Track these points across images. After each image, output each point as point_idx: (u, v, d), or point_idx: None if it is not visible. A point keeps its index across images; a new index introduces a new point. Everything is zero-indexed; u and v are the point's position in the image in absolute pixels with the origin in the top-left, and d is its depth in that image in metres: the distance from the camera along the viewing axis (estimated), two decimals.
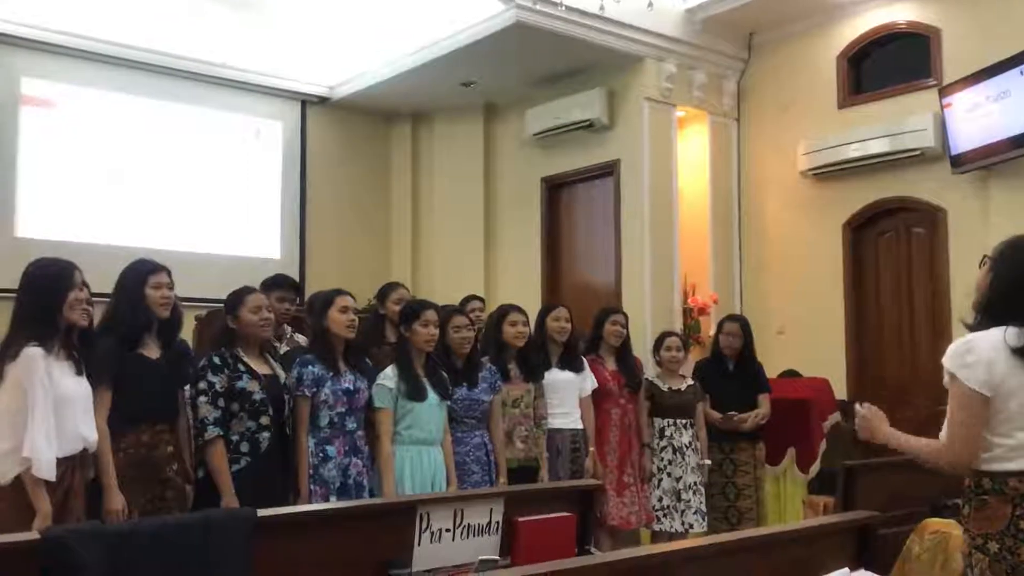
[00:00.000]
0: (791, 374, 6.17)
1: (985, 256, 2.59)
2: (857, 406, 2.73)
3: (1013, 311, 2.42)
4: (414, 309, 4.04)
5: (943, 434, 2.49)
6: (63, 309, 3.06)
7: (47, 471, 2.91)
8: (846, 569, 2.37)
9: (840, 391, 6.10)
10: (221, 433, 3.46)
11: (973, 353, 2.40)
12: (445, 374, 4.08)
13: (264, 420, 3.57)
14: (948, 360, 2.45)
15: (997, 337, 2.40)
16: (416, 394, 3.89)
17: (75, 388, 3.08)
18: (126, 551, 2.12)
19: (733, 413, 5.16)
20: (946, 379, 2.48)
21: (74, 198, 6.82)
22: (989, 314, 2.47)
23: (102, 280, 3.68)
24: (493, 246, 7.95)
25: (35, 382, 2.93)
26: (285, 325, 4.50)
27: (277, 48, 7.24)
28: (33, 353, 2.96)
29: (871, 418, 2.67)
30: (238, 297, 3.70)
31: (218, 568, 2.23)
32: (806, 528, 2.59)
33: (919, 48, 6.23)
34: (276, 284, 4.51)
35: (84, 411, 3.11)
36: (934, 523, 3.31)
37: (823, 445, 5.45)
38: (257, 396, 3.56)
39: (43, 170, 6.70)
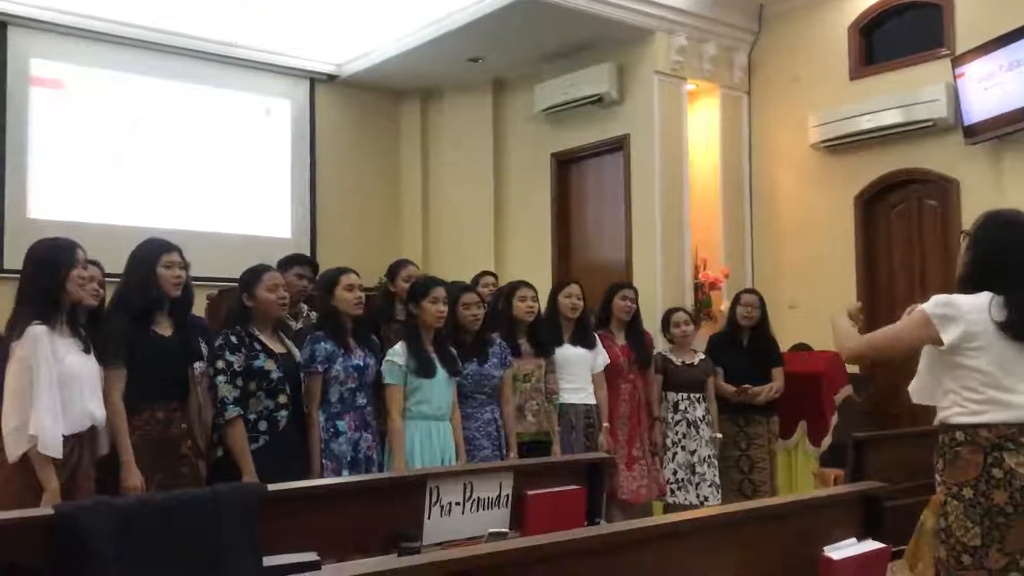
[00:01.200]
0: (803, 348, 6.15)
1: (963, 232, 2.75)
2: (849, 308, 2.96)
3: (992, 280, 2.55)
4: (423, 286, 4.05)
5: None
6: (66, 287, 3.08)
7: (53, 448, 2.93)
8: (853, 539, 2.39)
9: (851, 365, 6.07)
10: (241, 413, 3.48)
11: (953, 307, 2.54)
12: (454, 350, 4.09)
13: (282, 399, 3.59)
14: (928, 305, 2.59)
15: (983, 301, 2.53)
16: (425, 371, 3.91)
17: (81, 365, 3.10)
18: (135, 526, 2.15)
19: (748, 386, 5.17)
20: (911, 309, 2.64)
21: (85, 179, 6.83)
22: (971, 284, 2.61)
23: (114, 260, 3.71)
24: (503, 222, 7.94)
25: (39, 360, 2.95)
26: (301, 304, 4.48)
27: (285, 26, 7.21)
28: (37, 331, 2.98)
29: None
30: (255, 275, 3.68)
31: (227, 542, 2.26)
32: (813, 499, 2.61)
33: (932, 17, 6.13)
34: (294, 261, 4.51)
35: (91, 388, 3.13)
36: None
37: (835, 418, 5.44)
38: (275, 375, 3.58)
39: (54, 151, 6.71)
